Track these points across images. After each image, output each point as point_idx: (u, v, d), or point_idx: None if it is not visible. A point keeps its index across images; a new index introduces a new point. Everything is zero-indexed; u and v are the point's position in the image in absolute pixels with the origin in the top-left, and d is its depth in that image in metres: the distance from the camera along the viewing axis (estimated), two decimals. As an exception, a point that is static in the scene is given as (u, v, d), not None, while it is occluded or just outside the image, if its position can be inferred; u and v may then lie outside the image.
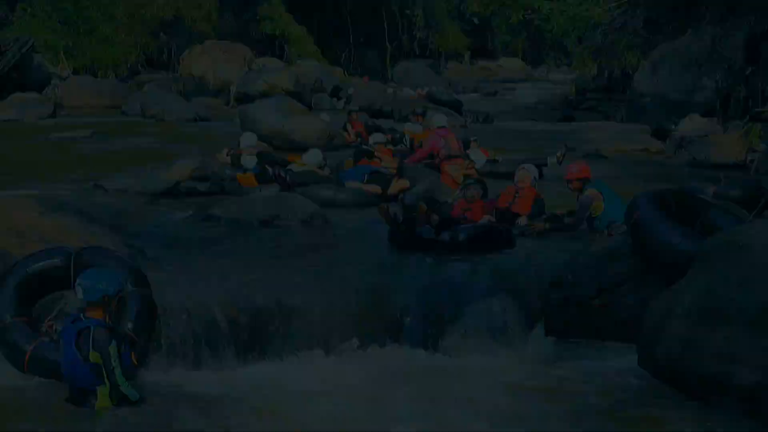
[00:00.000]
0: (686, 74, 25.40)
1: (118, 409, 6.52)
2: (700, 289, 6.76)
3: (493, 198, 11.67)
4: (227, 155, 16.37)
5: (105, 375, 6.41)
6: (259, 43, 51.95)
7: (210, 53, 40.42)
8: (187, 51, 42.91)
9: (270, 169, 13.81)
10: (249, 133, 17.18)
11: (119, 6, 45.80)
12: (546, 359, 7.96)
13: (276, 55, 51.17)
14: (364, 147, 17.60)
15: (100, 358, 6.39)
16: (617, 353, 7.86)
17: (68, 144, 22.46)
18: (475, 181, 11.67)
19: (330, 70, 47.02)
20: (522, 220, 10.66)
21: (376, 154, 15.69)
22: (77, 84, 38.78)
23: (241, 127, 21.42)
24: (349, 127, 23.13)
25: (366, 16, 62.65)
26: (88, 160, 19.13)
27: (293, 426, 6.56)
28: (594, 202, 10.16)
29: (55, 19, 43.69)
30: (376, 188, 13.58)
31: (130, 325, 7.11)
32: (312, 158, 15.32)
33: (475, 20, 71.74)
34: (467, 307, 8.38)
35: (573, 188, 10.56)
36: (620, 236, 9.00)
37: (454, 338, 8.17)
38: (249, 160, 14.84)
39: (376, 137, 17.36)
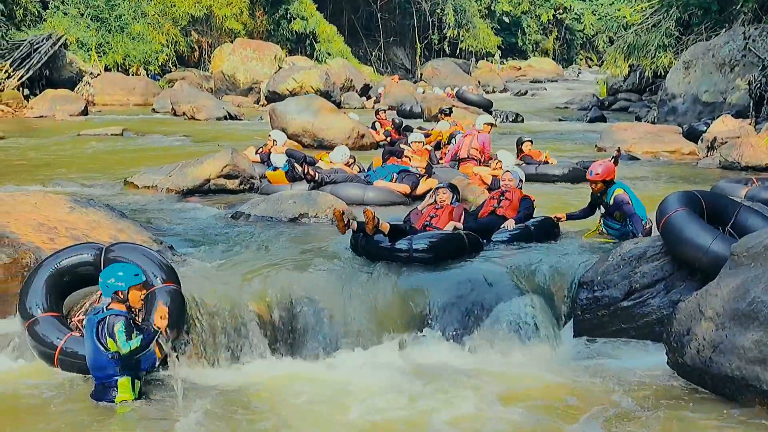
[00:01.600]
0: (719, 75, 25.21)
1: (139, 402, 6.59)
2: (731, 291, 6.70)
3: (469, 203, 11.45)
4: (257, 153, 16.46)
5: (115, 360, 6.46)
6: (290, 42, 52.22)
7: (240, 51, 40.59)
8: (218, 49, 43.14)
9: (299, 168, 13.84)
10: (279, 132, 17.23)
11: (150, 3, 46.09)
12: (574, 359, 7.93)
13: (306, 53, 51.43)
14: (393, 146, 17.62)
15: (113, 344, 6.44)
16: (646, 354, 7.85)
17: (99, 141, 22.66)
18: (447, 184, 10.90)
19: (359, 69, 47.12)
20: (509, 224, 10.28)
21: (405, 153, 15.68)
22: (108, 81, 39.21)
23: (270, 126, 21.54)
24: (377, 125, 23.20)
25: (396, 15, 62.64)
26: (119, 158, 19.30)
27: (323, 421, 6.57)
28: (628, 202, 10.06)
29: (87, 17, 44.07)
30: (404, 187, 13.58)
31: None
32: (338, 156, 15.34)
33: (506, 19, 71.62)
34: (496, 307, 8.35)
35: (596, 190, 10.28)
36: (650, 238, 8.95)
37: (481, 337, 8.15)
38: (279, 158, 14.88)
39: (414, 136, 17.32)
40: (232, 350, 7.69)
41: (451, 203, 10.37)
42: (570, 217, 10.73)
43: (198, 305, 7.68)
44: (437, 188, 10.70)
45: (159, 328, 6.49)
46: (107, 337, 6.46)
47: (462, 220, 10.02)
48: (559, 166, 16.41)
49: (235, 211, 12.12)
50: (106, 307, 6.63)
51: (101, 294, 6.84)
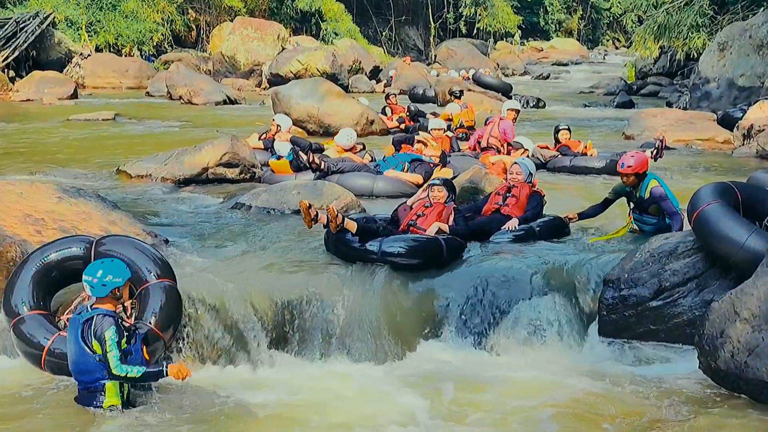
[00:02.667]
0: (756, 57, 25.10)
1: (128, 407, 6.59)
2: (769, 290, 6.69)
3: (475, 201, 11.12)
4: (260, 140, 16.46)
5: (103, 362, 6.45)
6: (294, 21, 52.21)
7: (241, 31, 40.65)
8: (217, 28, 43.22)
9: (304, 156, 13.82)
10: (283, 116, 17.21)
11: (145, -22, 46.14)
12: (599, 363, 7.92)
13: (311, 33, 51.44)
14: (408, 133, 17.60)
15: (100, 348, 6.43)
16: (676, 357, 7.83)
17: (89, 126, 22.71)
18: (442, 181, 10.32)
19: (369, 50, 47.13)
20: (512, 224, 10.01)
21: (418, 140, 15.65)
22: (99, 62, 39.29)
23: (273, 111, 21.55)
24: (388, 111, 23.20)
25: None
26: (111, 144, 19.35)
27: (325, 424, 6.58)
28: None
29: (77, -7, 44.07)
30: (416, 177, 13.56)
31: (153, 318, 7.18)
32: (343, 139, 15.32)
33: (527, -3, 71.49)
34: (517, 305, 8.36)
35: (628, 183, 10.11)
36: (681, 233, 8.92)
37: (500, 338, 8.17)
38: (283, 146, 14.87)
39: (435, 122, 17.29)
40: (231, 349, 7.70)
41: (445, 203, 9.94)
42: (582, 216, 10.60)
43: (194, 302, 7.69)
44: (432, 184, 10.21)
45: (168, 374, 6.44)
46: (92, 339, 6.44)
47: (451, 222, 9.63)
48: (597, 157, 16.05)
49: (235, 202, 12.13)
50: (91, 306, 6.62)
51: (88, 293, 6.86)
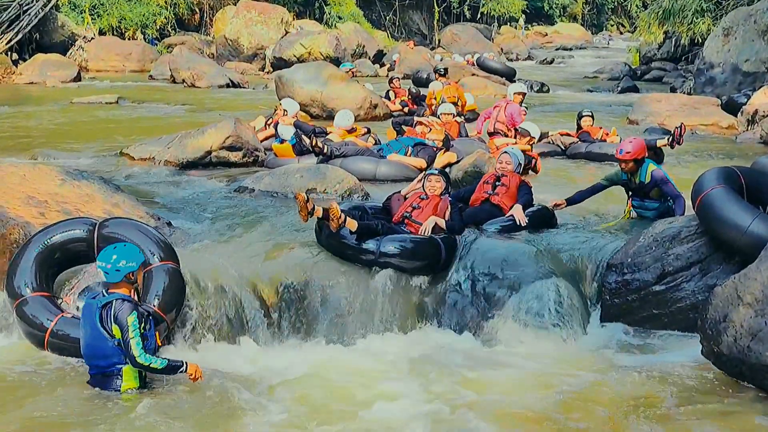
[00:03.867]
0: (761, 42, 25.01)
1: (145, 389, 6.62)
2: (772, 275, 6.67)
3: (461, 191, 10.69)
4: (267, 125, 16.36)
5: (122, 348, 6.47)
6: (297, 4, 52.07)
7: (244, 14, 40.53)
8: (220, 11, 43.11)
9: (306, 140, 13.79)
10: (291, 101, 17.16)
11: (149, -38, 46.00)
12: (602, 348, 7.92)
13: (315, 17, 51.34)
14: (409, 117, 17.55)
15: (120, 332, 6.45)
16: (679, 342, 7.84)
17: (92, 109, 22.68)
18: (439, 171, 10.03)
19: (372, 34, 47.03)
20: (519, 213, 9.64)
21: (418, 122, 15.60)
22: (103, 46, 39.24)
23: (276, 95, 21.52)
24: (391, 95, 23.18)
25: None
26: (114, 127, 19.32)
27: (327, 408, 6.59)
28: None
29: (80, -25, 43.96)
30: (420, 161, 13.55)
31: (156, 301, 7.21)
32: (343, 120, 15.27)
33: (531, -19, 71.33)
34: (517, 290, 8.35)
35: (626, 169, 10.02)
36: (685, 217, 8.90)
37: (502, 322, 8.15)
38: (286, 130, 14.83)
39: (444, 107, 17.22)
40: (234, 332, 7.73)
41: (441, 194, 9.56)
42: (570, 202, 10.41)
43: (198, 285, 7.71)
44: (429, 174, 9.82)
45: (188, 370, 6.57)
46: (112, 324, 6.45)
47: (447, 216, 9.29)
48: (612, 144, 15.27)
49: (238, 185, 12.13)
50: (107, 291, 6.63)
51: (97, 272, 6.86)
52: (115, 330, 6.45)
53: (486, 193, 10.11)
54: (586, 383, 7.11)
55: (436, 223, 9.04)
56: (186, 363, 6.58)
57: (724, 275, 7.71)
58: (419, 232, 8.94)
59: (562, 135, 16.27)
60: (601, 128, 16.41)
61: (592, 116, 16.72)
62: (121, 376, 6.56)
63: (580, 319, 8.29)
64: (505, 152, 10.73)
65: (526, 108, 17.69)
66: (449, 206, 9.47)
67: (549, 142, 16.08)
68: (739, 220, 7.77)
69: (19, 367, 7.08)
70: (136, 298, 6.81)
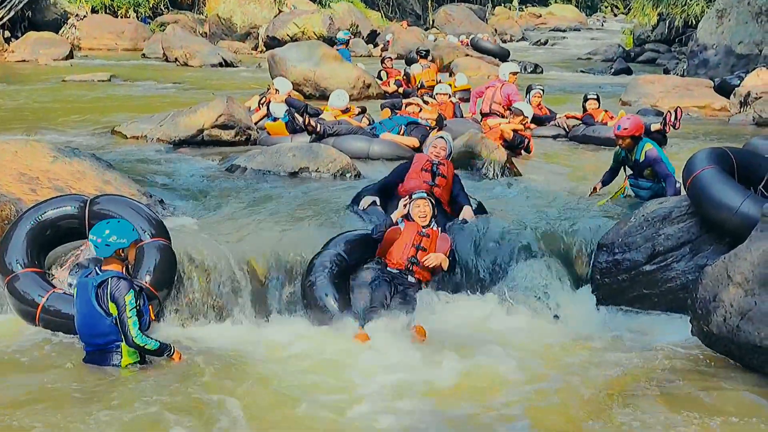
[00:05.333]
0: (755, 24, 25.02)
1: (144, 365, 6.65)
2: (762, 255, 6.68)
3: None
4: (261, 104, 16.27)
5: (119, 326, 6.47)
6: (291, -17, 51.74)
7: (238, -7, 40.32)
8: (214, -10, 42.80)
9: (299, 118, 13.76)
10: (283, 79, 17.10)
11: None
12: (592, 327, 7.94)
13: (308, -4, 50.95)
14: (408, 97, 17.52)
15: (116, 310, 6.45)
16: (669, 322, 7.85)
17: (85, 87, 22.62)
18: (426, 194, 8.68)
19: (366, 14, 46.83)
20: (469, 214, 9.16)
21: (407, 103, 15.58)
22: (95, 24, 39.03)
23: (269, 73, 21.48)
24: (383, 75, 23.14)
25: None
26: (106, 105, 19.28)
27: (322, 384, 6.61)
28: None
29: (72, -48, 43.68)
30: (412, 140, 13.53)
31: (148, 277, 7.23)
32: (338, 101, 15.23)
33: (526, -38, 71.06)
34: (507, 270, 8.37)
35: (624, 146, 10.15)
36: (676, 197, 8.92)
37: (492, 302, 8.17)
38: (279, 108, 14.79)
39: (440, 87, 17.20)
40: (225, 309, 7.75)
41: (434, 215, 8.51)
42: (604, 183, 10.64)
43: (189, 262, 7.73)
44: (416, 197, 8.53)
45: (174, 356, 6.72)
46: (108, 302, 6.47)
47: (449, 254, 8.26)
48: (606, 128, 15.16)
49: (230, 163, 12.11)
50: (100, 269, 6.63)
51: (89, 249, 6.86)
52: (112, 307, 6.47)
53: (426, 183, 9.35)
54: (576, 363, 7.12)
55: (441, 265, 8.16)
56: (173, 347, 6.73)
57: (715, 255, 7.72)
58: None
59: (568, 118, 16.20)
60: (605, 111, 16.34)
61: (598, 99, 16.62)
62: (121, 352, 6.57)
63: (569, 298, 8.30)
64: (441, 137, 10.17)
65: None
66: (449, 242, 8.38)
67: (555, 125, 16.05)
68: (729, 200, 7.78)
69: (14, 342, 7.10)
70: (127, 275, 6.82)
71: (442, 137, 10.18)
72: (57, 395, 6.17)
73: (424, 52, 23.54)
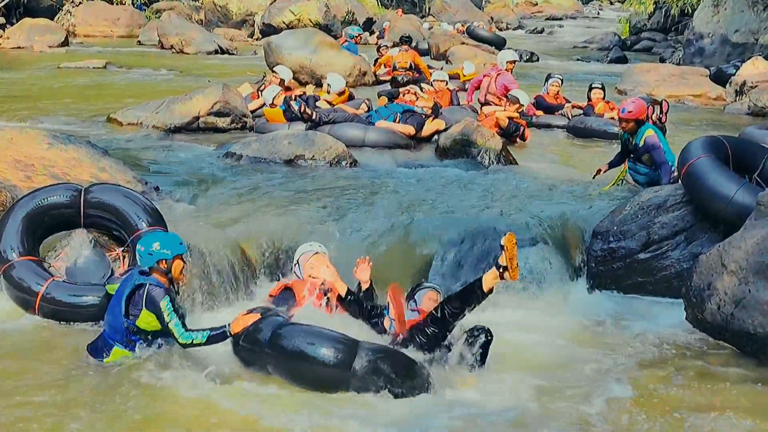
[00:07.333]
0: (751, 13, 25.01)
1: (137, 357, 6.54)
2: (756, 243, 6.70)
3: None
4: (259, 92, 16.22)
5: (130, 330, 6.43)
6: (287, -30, 51.55)
7: (233, -20, 40.18)
8: (209, -23, 42.63)
9: (295, 106, 13.75)
10: (284, 67, 17.05)
11: (137, -75, 45.52)
12: (587, 314, 7.94)
13: (304, -17, 50.77)
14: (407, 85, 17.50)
15: (154, 317, 6.35)
16: (663, 310, 7.87)
17: (80, 74, 22.56)
18: (434, 288, 7.42)
19: (362, 2, 46.68)
20: None
21: (408, 92, 15.56)
22: (91, 11, 38.88)
23: (265, 61, 21.45)
24: (382, 67, 23.13)
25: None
26: (101, 92, 19.23)
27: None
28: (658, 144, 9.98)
29: (68, -61, 43.51)
30: (408, 128, 13.52)
31: (143, 266, 7.19)
32: (337, 84, 15.23)
33: (522, -51, 70.89)
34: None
35: (626, 129, 10.19)
36: (671, 186, 8.93)
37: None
38: (269, 91, 14.78)
39: (437, 74, 17.16)
40: (223, 295, 7.74)
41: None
42: (611, 165, 10.67)
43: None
44: (428, 289, 7.32)
45: (233, 332, 6.23)
46: (143, 307, 6.37)
47: None
48: (603, 120, 15.16)
49: (226, 151, 12.10)
50: (143, 273, 6.56)
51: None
52: (144, 313, 6.37)
53: None
54: (572, 350, 7.15)
55: None
56: (229, 326, 6.25)
57: (709, 243, 7.77)
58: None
59: (574, 107, 16.14)
60: (607, 102, 16.19)
61: (603, 88, 16.45)
62: (110, 354, 6.48)
63: (565, 286, 8.32)
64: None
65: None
66: None
67: (562, 114, 15.99)
68: (724, 189, 7.82)
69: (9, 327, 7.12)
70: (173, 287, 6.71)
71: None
72: (46, 384, 6.17)
73: (407, 38, 23.58)
